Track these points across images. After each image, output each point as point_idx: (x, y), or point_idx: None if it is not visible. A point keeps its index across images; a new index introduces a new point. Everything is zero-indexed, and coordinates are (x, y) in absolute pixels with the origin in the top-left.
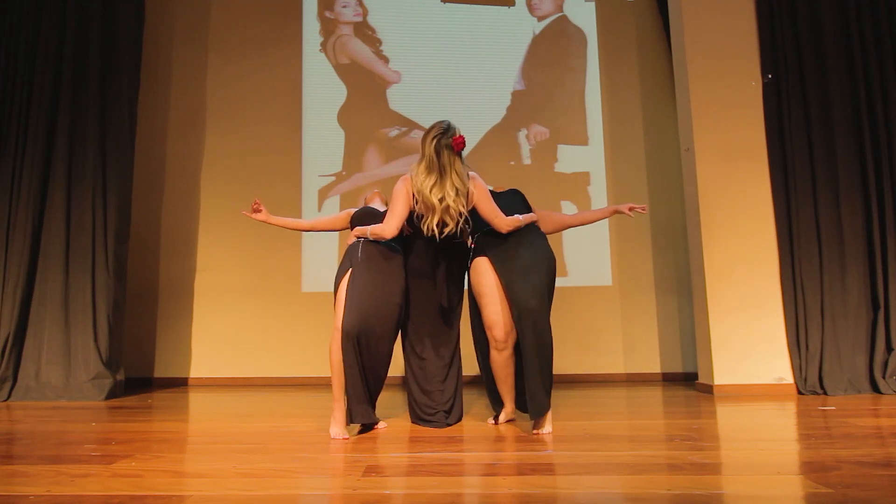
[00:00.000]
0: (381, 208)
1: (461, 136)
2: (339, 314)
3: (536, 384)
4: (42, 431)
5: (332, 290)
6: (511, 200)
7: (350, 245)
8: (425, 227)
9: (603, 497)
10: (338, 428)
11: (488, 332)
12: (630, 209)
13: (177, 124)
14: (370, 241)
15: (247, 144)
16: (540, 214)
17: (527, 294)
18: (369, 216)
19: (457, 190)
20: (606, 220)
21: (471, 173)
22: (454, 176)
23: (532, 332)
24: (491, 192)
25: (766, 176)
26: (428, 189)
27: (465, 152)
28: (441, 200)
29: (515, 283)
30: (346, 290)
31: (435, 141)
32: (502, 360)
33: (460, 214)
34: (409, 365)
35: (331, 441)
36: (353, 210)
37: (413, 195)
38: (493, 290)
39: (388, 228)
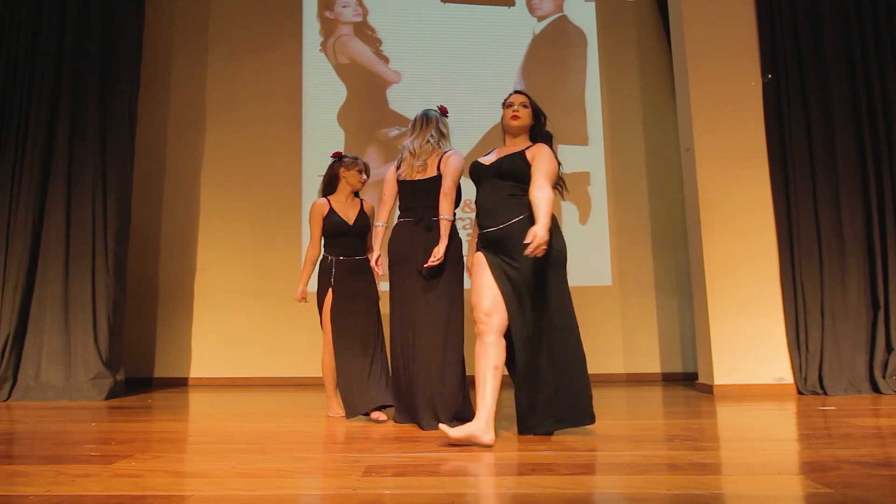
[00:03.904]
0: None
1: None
2: (329, 333)
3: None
4: (42, 431)
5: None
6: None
7: (323, 262)
8: (404, 168)
9: (603, 497)
10: (334, 408)
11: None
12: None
13: (177, 124)
14: (340, 259)
15: (247, 144)
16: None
17: (520, 327)
18: (341, 231)
19: (431, 134)
20: (606, 219)
21: (448, 151)
22: (437, 123)
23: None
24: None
25: (766, 176)
26: (410, 137)
27: (464, 152)
28: (417, 144)
29: (513, 314)
30: (332, 311)
31: (424, 111)
32: (479, 349)
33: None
34: (394, 354)
35: (330, 441)
36: (319, 217)
37: (397, 169)
38: (483, 278)
39: (380, 218)
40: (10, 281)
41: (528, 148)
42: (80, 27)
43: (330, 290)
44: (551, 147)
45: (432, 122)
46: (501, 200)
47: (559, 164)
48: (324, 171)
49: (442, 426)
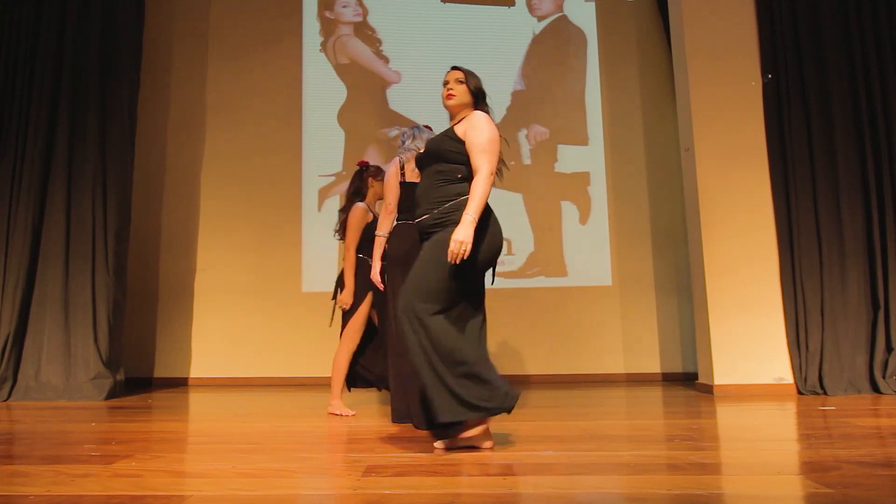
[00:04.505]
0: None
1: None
2: (359, 332)
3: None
4: (42, 431)
5: (332, 289)
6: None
7: (364, 264)
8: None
9: (603, 497)
10: (339, 406)
11: None
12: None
13: (177, 124)
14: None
15: (247, 144)
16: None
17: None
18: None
19: (430, 136)
20: (606, 219)
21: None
22: (430, 131)
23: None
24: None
25: (766, 176)
26: (409, 142)
27: None
28: (420, 143)
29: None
30: (377, 309)
31: (412, 126)
32: None
33: None
34: (391, 354)
35: (330, 441)
36: (363, 222)
37: (400, 171)
38: None
39: (383, 228)
40: (10, 281)
41: (458, 122)
42: (80, 27)
43: (371, 291)
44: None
45: (425, 131)
46: (428, 187)
47: (503, 139)
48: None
49: (437, 443)
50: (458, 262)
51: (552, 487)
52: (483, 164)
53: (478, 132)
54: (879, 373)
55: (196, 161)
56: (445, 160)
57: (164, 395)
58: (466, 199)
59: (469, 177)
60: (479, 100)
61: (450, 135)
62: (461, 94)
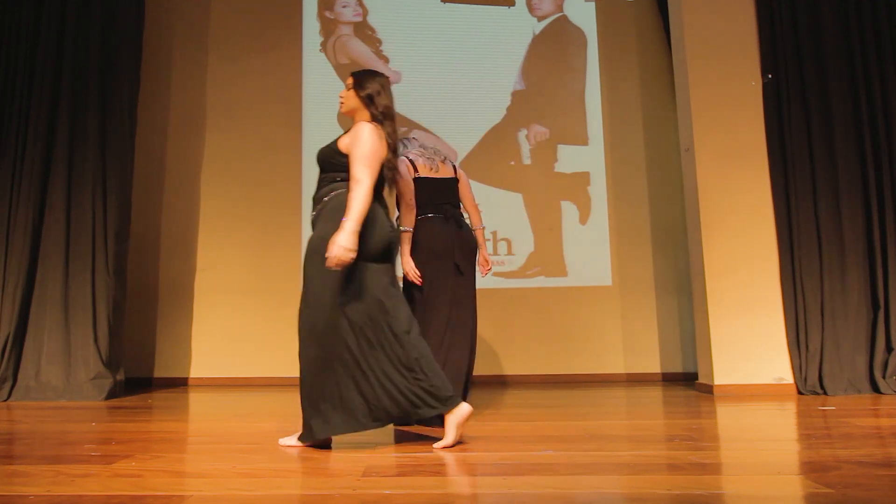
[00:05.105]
0: None
1: None
2: None
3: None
4: (42, 431)
5: None
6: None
7: None
8: (426, 164)
9: (603, 497)
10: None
11: None
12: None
13: (177, 124)
14: None
15: (247, 144)
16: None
17: None
18: None
19: (422, 143)
20: (606, 219)
21: (455, 162)
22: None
23: None
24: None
25: (766, 176)
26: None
27: (465, 152)
28: (417, 145)
29: None
30: None
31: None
32: None
33: None
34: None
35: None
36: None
37: (414, 170)
38: None
39: (409, 223)
40: (10, 281)
41: (345, 133)
42: (80, 27)
43: None
44: (390, 123)
45: (413, 141)
46: (315, 193)
47: (389, 152)
48: None
49: (437, 445)
50: (338, 266)
51: (552, 487)
52: (363, 178)
53: (359, 145)
54: (879, 373)
55: (196, 161)
56: (327, 169)
57: (164, 395)
58: (334, 197)
59: (349, 180)
60: (369, 106)
61: (332, 146)
62: (348, 100)
